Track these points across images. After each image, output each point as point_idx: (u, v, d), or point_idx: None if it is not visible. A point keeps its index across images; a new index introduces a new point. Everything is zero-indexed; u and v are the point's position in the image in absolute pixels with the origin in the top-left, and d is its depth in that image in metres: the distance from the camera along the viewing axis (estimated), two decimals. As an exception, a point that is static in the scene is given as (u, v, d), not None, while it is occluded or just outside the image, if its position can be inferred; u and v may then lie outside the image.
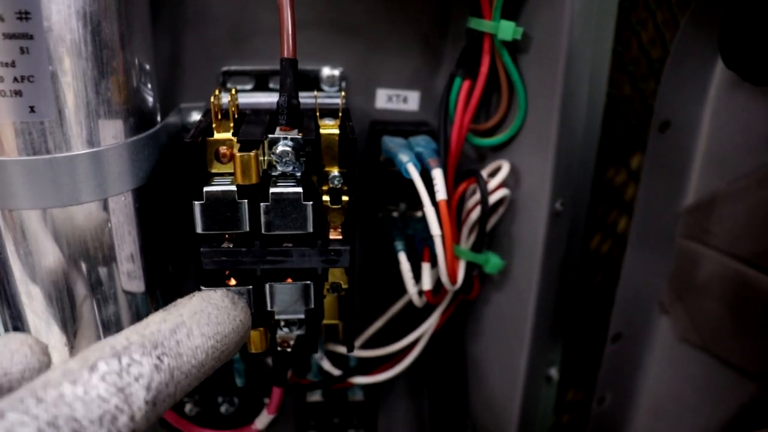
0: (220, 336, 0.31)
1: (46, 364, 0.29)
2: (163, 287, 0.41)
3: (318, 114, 0.37)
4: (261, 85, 0.43)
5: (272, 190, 0.32)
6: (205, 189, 0.32)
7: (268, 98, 0.42)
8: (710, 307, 0.49)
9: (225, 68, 0.43)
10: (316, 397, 0.51)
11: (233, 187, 0.32)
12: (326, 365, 0.47)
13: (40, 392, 0.24)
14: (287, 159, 0.32)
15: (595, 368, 0.55)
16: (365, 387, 0.52)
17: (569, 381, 0.62)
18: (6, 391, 0.27)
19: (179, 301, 0.32)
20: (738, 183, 0.46)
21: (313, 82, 0.43)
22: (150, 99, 0.38)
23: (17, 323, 0.37)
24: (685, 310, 0.51)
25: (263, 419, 0.42)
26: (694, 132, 0.48)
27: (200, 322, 0.31)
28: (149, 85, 0.37)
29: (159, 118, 0.39)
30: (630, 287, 0.52)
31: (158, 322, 0.29)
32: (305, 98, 0.39)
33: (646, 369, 0.56)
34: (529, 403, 0.50)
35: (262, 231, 0.33)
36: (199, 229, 0.33)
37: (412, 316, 0.47)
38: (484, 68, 0.40)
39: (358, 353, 0.47)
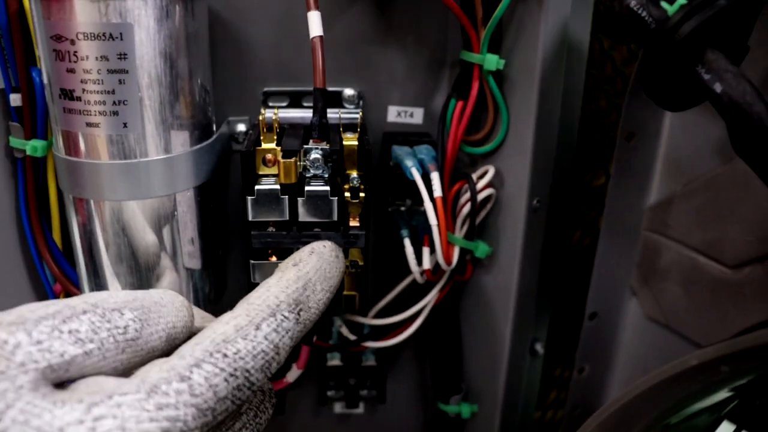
0: (332, 287, 0.35)
1: (192, 323, 0.31)
2: (215, 266, 0.48)
3: (341, 128, 0.46)
4: (295, 103, 0.50)
5: (307, 188, 0.40)
6: (256, 187, 0.40)
7: (301, 113, 0.49)
8: (670, 289, 0.53)
9: (266, 89, 0.49)
10: (335, 361, 0.57)
11: (277, 186, 0.40)
12: (344, 331, 0.53)
13: (223, 348, 0.27)
14: (318, 164, 0.40)
15: (577, 346, 0.59)
16: (377, 353, 0.57)
17: (556, 359, 0.66)
18: (171, 341, 0.29)
19: (300, 257, 0.36)
20: (690, 185, 0.50)
21: (336, 100, 0.50)
22: (209, 115, 0.45)
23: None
24: (651, 292, 0.55)
25: (293, 373, 0.49)
26: (655, 142, 0.52)
27: (321, 278, 0.35)
28: (209, 104, 0.45)
29: (215, 129, 0.47)
30: (603, 272, 0.56)
31: (294, 280, 0.33)
32: (331, 114, 0.46)
33: (619, 343, 0.60)
34: (513, 372, 0.54)
35: (299, 219, 0.41)
36: (250, 218, 0.41)
37: (416, 292, 0.52)
38: (474, 92, 0.47)
39: (371, 321, 0.52)
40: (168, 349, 0.30)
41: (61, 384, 0.25)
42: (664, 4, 0.32)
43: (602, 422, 0.44)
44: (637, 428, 0.44)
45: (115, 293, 0.29)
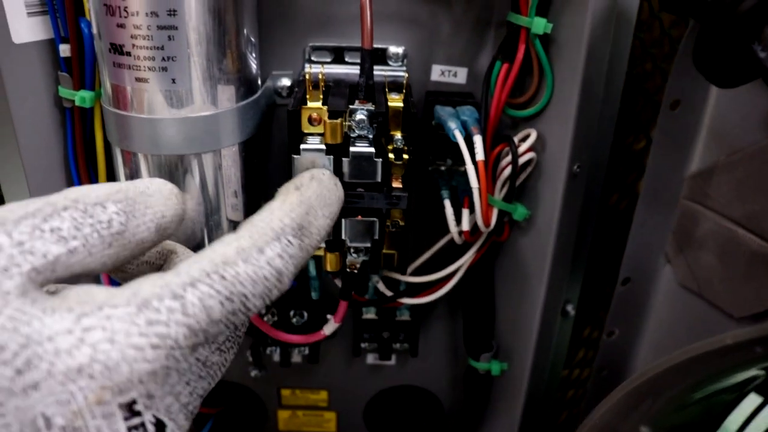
0: (332, 214, 0.34)
1: (183, 211, 0.31)
2: None
3: (387, 89, 0.46)
4: (338, 59, 0.50)
5: (352, 149, 0.40)
6: (302, 147, 0.41)
7: (345, 70, 0.49)
8: (705, 259, 0.53)
9: (311, 43, 0.49)
10: (370, 315, 0.58)
11: (323, 146, 0.41)
12: (381, 287, 0.54)
13: (221, 270, 0.26)
14: (363, 125, 0.41)
15: (607, 307, 0.60)
16: (411, 309, 0.58)
17: (586, 319, 0.67)
18: (161, 231, 0.29)
19: (302, 182, 0.35)
20: (734, 156, 0.49)
21: (381, 58, 0.49)
22: (254, 70, 0.45)
23: None
24: (685, 260, 0.55)
25: (330, 326, 0.50)
26: (700, 110, 0.51)
27: (321, 204, 0.34)
28: (255, 60, 0.45)
29: (261, 84, 0.47)
30: (639, 238, 0.55)
31: (297, 204, 0.32)
32: (375, 72, 0.47)
33: (650, 310, 0.60)
34: (545, 332, 0.55)
35: (343, 179, 0.41)
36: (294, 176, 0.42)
37: (452, 251, 0.53)
38: (520, 54, 0.46)
39: (408, 279, 0.53)
40: (158, 239, 0.29)
41: (50, 289, 0.25)
42: (724, -23, 0.32)
43: (630, 391, 0.44)
44: (661, 400, 0.45)
45: (98, 186, 0.28)
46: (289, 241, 0.29)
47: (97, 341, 0.23)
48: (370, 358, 0.63)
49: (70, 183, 0.51)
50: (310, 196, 0.33)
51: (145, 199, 0.28)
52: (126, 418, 0.23)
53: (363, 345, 0.60)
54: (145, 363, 0.24)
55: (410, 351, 0.60)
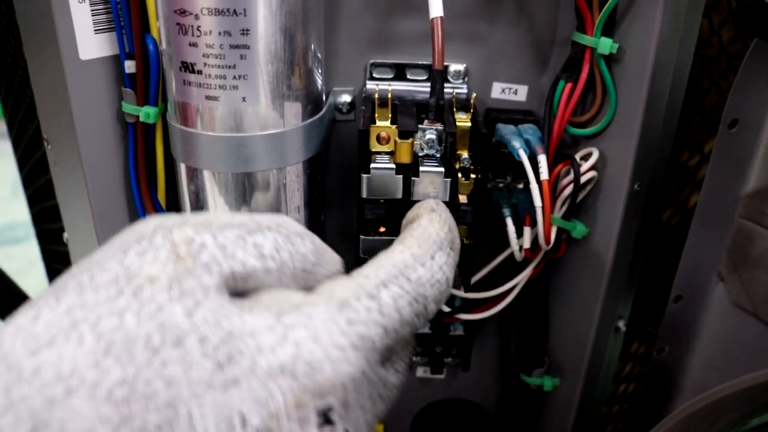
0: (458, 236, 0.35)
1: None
2: (318, 232, 0.49)
3: (454, 108, 0.46)
4: (400, 75, 0.50)
5: (422, 168, 0.41)
6: (372, 166, 0.41)
7: (407, 87, 0.49)
8: (761, 278, 0.53)
9: (372, 60, 0.50)
10: (424, 329, 0.58)
11: (392, 166, 0.41)
12: None
13: (405, 272, 0.27)
14: (432, 144, 0.41)
15: (657, 324, 0.59)
16: (465, 324, 0.58)
17: (634, 334, 0.66)
18: (315, 278, 0.28)
19: (431, 205, 0.36)
20: None
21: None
22: (320, 87, 0.46)
23: None
24: (740, 279, 0.55)
25: None
26: (758, 129, 0.51)
27: (454, 224, 0.34)
28: (321, 77, 0.46)
29: (325, 101, 0.47)
30: (692, 256, 0.55)
31: (443, 222, 0.33)
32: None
33: (701, 328, 0.60)
34: (598, 348, 0.55)
35: (412, 198, 0.41)
36: (364, 195, 0.42)
37: (508, 268, 0.53)
38: (584, 74, 0.46)
39: (468, 295, 0.53)
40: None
41: (238, 295, 0.25)
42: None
43: (692, 413, 0.44)
44: (719, 425, 0.45)
45: (294, 222, 0.28)
46: (448, 251, 0.30)
47: (300, 339, 0.22)
48: (420, 371, 0.63)
49: (131, 198, 0.51)
50: (446, 217, 0.34)
51: (329, 253, 0.29)
52: (319, 426, 0.22)
53: (415, 358, 0.60)
54: (347, 365, 0.23)
55: (462, 365, 0.60)
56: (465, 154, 0.43)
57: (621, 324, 0.57)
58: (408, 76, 0.50)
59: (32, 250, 0.85)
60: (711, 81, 0.58)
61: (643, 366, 0.65)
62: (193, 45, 0.40)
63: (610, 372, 0.60)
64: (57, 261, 0.77)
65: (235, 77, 0.40)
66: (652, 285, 0.62)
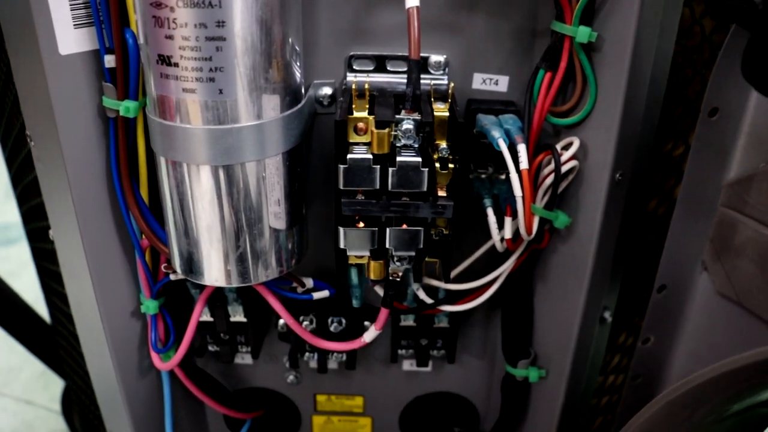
0: None
1: None
2: (299, 225, 0.49)
3: (432, 98, 0.46)
4: (380, 68, 0.50)
5: (399, 158, 0.41)
6: (349, 156, 0.41)
7: (387, 78, 0.49)
8: (744, 267, 0.53)
9: (352, 52, 0.49)
10: (408, 322, 0.58)
11: (369, 156, 0.41)
12: (421, 294, 0.54)
13: None
14: (410, 134, 0.41)
15: (643, 314, 0.59)
16: (449, 316, 0.58)
17: (622, 325, 0.65)
18: None
19: None
20: None
21: (422, 66, 0.49)
22: (299, 79, 0.46)
23: (192, 249, 0.46)
24: (723, 268, 0.55)
25: (371, 333, 0.51)
26: (739, 117, 0.51)
27: None
28: (299, 69, 0.45)
29: (304, 93, 0.47)
30: (675, 245, 0.55)
31: None
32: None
33: (686, 318, 0.60)
34: (583, 339, 0.55)
35: (389, 189, 0.41)
36: (341, 186, 0.42)
37: (492, 260, 0.53)
38: (564, 63, 0.46)
39: (450, 286, 0.53)
40: None
41: None
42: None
43: (671, 401, 0.44)
44: (700, 412, 0.45)
45: None
46: None
47: None
48: (407, 365, 0.63)
49: (113, 191, 0.51)
50: None
51: None
52: None
53: (400, 352, 0.60)
54: None
55: (447, 357, 0.60)
56: (443, 144, 0.43)
57: (607, 315, 0.57)
58: (388, 68, 0.50)
59: (26, 250, 0.85)
60: (694, 70, 0.58)
61: (631, 356, 0.64)
62: (169, 38, 0.40)
63: (597, 363, 0.60)
64: (45, 259, 0.77)
65: (211, 69, 0.40)
66: (638, 276, 0.62)
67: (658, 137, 0.53)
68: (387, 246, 0.44)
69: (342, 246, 0.44)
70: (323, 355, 0.60)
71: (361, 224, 0.44)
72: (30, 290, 1.03)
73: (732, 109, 0.51)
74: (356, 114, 0.42)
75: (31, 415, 1.35)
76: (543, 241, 0.53)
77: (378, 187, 0.42)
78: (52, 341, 0.93)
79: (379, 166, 0.41)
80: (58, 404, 1.21)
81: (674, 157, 0.60)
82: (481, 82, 0.52)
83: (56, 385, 1.23)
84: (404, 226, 0.44)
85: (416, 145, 0.41)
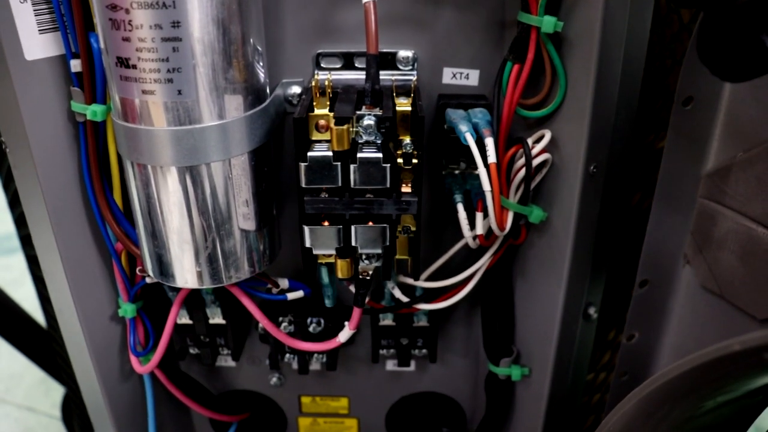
0: None
1: None
2: (269, 226, 0.49)
3: (394, 93, 0.46)
4: (348, 65, 0.50)
5: (359, 155, 0.40)
6: (309, 154, 0.41)
7: (355, 75, 0.49)
8: (725, 259, 0.51)
9: (319, 50, 0.49)
10: (388, 321, 0.58)
11: (329, 153, 0.41)
12: (397, 293, 0.53)
13: None
14: (371, 130, 0.41)
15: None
16: (429, 314, 0.58)
17: (611, 322, 0.65)
18: None
19: None
20: (752, 151, 0.47)
21: (390, 62, 0.49)
22: (262, 79, 0.45)
23: (161, 251, 0.46)
24: (705, 261, 0.53)
25: (345, 333, 0.50)
26: (714, 106, 0.49)
27: None
28: (262, 69, 0.45)
29: (269, 92, 0.47)
30: (656, 240, 0.54)
31: None
32: (384, 76, 0.46)
33: (670, 312, 0.58)
34: (566, 336, 0.54)
35: (351, 185, 0.41)
36: (303, 184, 0.42)
37: (470, 257, 0.52)
38: (531, 54, 0.45)
39: (423, 284, 0.53)
40: None
41: None
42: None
43: (643, 398, 0.44)
44: (675, 412, 0.44)
45: None
46: None
47: None
48: (390, 365, 0.63)
49: (85, 196, 0.51)
50: None
51: None
52: None
53: (382, 351, 0.60)
54: None
55: (429, 357, 0.59)
56: (407, 140, 0.43)
57: (592, 311, 0.56)
58: (356, 65, 0.50)
59: (27, 259, 0.85)
60: (674, 60, 0.57)
61: (620, 352, 0.63)
62: (126, 40, 0.40)
63: (584, 360, 0.59)
64: (35, 266, 0.77)
65: (169, 70, 0.40)
66: (625, 271, 0.62)
67: (638, 128, 0.52)
68: (353, 244, 0.44)
69: (308, 245, 0.44)
70: (303, 356, 0.60)
71: (326, 222, 0.44)
72: (33, 298, 1.03)
73: (706, 97, 0.50)
74: (317, 111, 0.42)
75: (33, 422, 1.35)
76: (520, 236, 0.52)
77: (340, 184, 0.42)
78: (50, 348, 0.94)
79: (340, 163, 0.41)
80: (59, 411, 1.21)
81: (657, 149, 0.59)
82: (451, 76, 0.51)
83: (57, 391, 1.24)
84: (370, 224, 0.43)
85: (378, 141, 0.41)
